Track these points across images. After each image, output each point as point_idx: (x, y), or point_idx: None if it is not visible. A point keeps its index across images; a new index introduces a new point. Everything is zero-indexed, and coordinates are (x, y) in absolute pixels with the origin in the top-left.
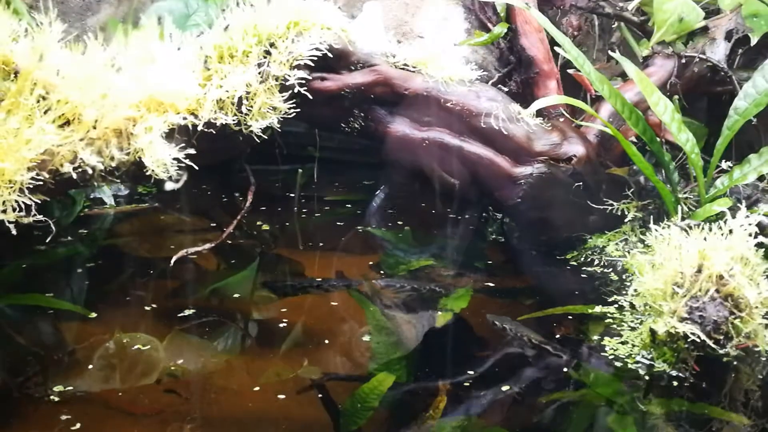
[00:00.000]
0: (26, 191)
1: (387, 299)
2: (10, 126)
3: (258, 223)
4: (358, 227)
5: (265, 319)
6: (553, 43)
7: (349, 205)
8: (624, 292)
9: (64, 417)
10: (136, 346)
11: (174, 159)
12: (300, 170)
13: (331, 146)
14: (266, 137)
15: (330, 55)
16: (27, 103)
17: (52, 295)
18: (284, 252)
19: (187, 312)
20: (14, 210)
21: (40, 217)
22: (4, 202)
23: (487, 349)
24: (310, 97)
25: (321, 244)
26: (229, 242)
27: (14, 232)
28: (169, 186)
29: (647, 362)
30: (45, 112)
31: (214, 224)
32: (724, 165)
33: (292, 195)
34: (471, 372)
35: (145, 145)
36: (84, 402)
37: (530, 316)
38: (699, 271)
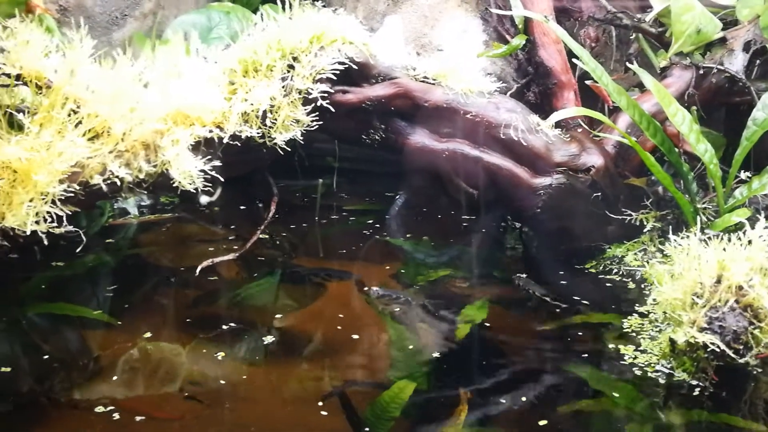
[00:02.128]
0: (58, 203)
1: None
2: (43, 139)
3: (280, 233)
4: (377, 236)
5: (286, 327)
6: (571, 54)
7: (368, 215)
8: (643, 302)
9: (87, 422)
10: (159, 354)
11: (200, 171)
12: (320, 181)
13: (350, 157)
14: (289, 149)
15: (352, 68)
16: (59, 117)
17: (78, 305)
18: (305, 261)
19: (210, 320)
20: (46, 221)
21: (71, 228)
22: (37, 213)
23: (506, 357)
24: (332, 109)
25: (341, 252)
26: (251, 252)
27: (46, 242)
28: (204, 199)
29: (667, 371)
30: (76, 126)
31: (236, 234)
32: (743, 175)
33: (313, 205)
34: (491, 380)
35: (172, 157)
36: (107, 407)
37: (550, 325)
38: (718, 281)
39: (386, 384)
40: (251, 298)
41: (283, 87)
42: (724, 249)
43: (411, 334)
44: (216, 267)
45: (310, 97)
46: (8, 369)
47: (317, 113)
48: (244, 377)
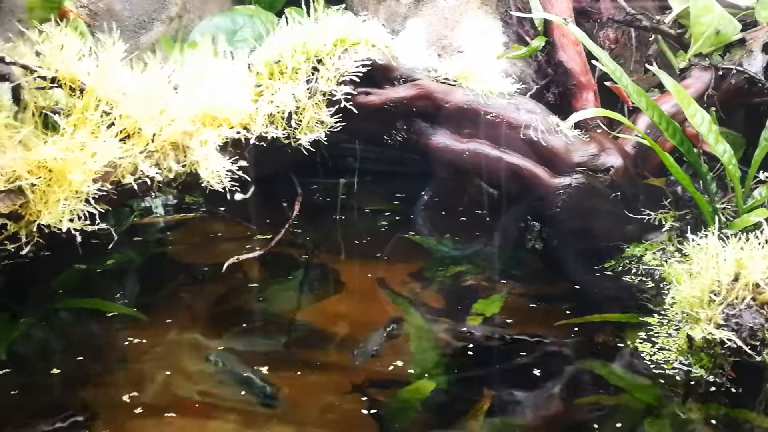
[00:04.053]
0: (91, 201)
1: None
2: (77, 140)
3: (303, 231)
4: (399, 235)
5: (309, 323)
6: (590, 55)
7: (389, 214)
8: (661, 301)
9: (117, 415)
10: (186, 348)
11: (228, 171)
12: (342, 180)
13: (371, 157)
14: (313, 150)
15: (374, 70)
16: (92, 118)
17: (107, 301)
18: (326, 259)
19: (235, 316)
20: (80, 219)
21: (103, 226)
22: (71, 211)
23: (524, 353)
24: (355, 111)
25: (362, 251)
26: (275, 250)
27: (79, 239)
28: (238, 197)
29: (684, 368)
30: (108, 127)
31: (260, 233)
32: (762, 176)
33: (334, 204)
34: (510, 376)
35: (200, 157)
36: (138, 401)
37: (568, 321)
38: (736, 279)
39: (407, 378)
40: (275, 294)
41: (307, 89)
42: (742, 248)
43: (430, 327)
44: (240, 264)
45: (334, 98)
46: (45, 364)
47: (341, 114)
48: (269, 370)
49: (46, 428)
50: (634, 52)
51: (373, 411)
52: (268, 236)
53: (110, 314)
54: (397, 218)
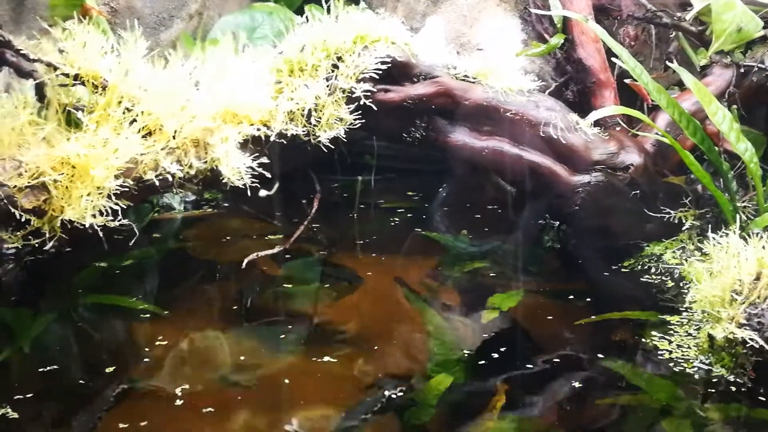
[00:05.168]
0: (113, 197)
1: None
2: (100, 136)
3: (321, 228)
4: (416, 231)
5: (327, 319)
6: (609, 53)
7: (407, 211)
8: (681, 300)
9: (135, 408)
10: (206, 342)
11: (248, 167)
12: (359, 178)
13: (389, 155)
14: (332, 146)
15: (394, 67)
16: (114, 115)
17: (126, 296)
18: (344, 256)
19: (253, 311)
20: (102, 214)
21: (125, 221)
22: (94, 207)
23: (541, 350)
24: (375, 108)
25: (379, 248)
26: (293, 246)
27: (101, 235)
28: (263, 192)
29: (705, 367)
30: (130, 124)
31: (278, 230)
32: None
33: (352, 202)
34: (527, 373)
35: (221, 154)
36: (153, 395)
37: (587, 320)
38: (757, 278)
39: (425, 373)
40: (292, 290)
41: (327, 86)
42: (764, 247)
43: (448, 325)
44: (259, 261)
45: (354, 95)
46: (64, 359)
47: (360, 112)
48: (289, 365)
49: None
50: (654, 49)
51: (392, 404)
52: (286, 234)
53: (129, 309)
54: (414, 216)
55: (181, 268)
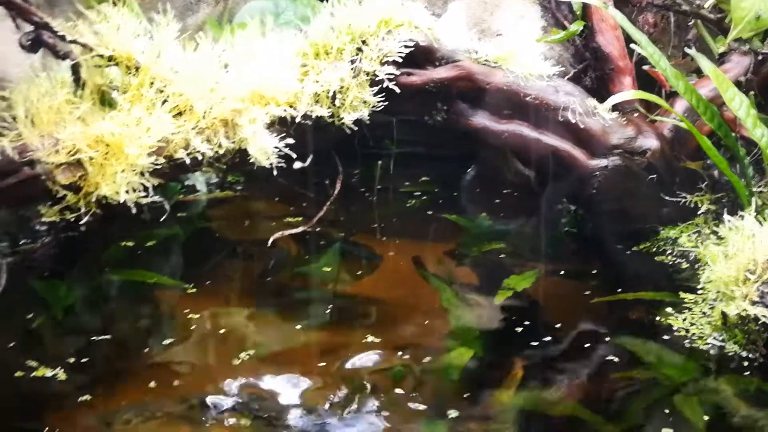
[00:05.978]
0: (146, 174)
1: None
2: (133, 116)
3: (342, 210)
4: (432, 213)
5: (347, 296)
6: (628, 39)
7: (426, 195)
8: (696, 281)
9: (159, 381)
10: (232, 318)
11: (275, 147)
12: (379, 162)
13: (408, 139)
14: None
15: (416, 51)
16: (147, 95)
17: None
18: (363, 237)
19: (277, 289)
20: (135, 191)
21: (156, 198)
22: (128, 183)
23: (558, 328)
24: (398, 91)
25: (397, 230)
26: (314, 228)
27: (134, 210)
28: (297, 164)
29: (718, 344)
30: (162, 104)
31: (301, 211)
32: None
33: (372, 185)
34: (543, 350)
35: (249, 135)
36: (178, 369)
37: (603, 299)
38: None
39: (444, 349)
40: (314, 269)
41: (352, 69)
42: None
43: (465, 303)
44: (281, 241)
45: (377, 78)
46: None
47: (383, 94)
48: (310, 341)
49: None
50: (672, 36)
51: (413, 376)
52: (309, 216)
53: (156, 285)
54: (433, 199)
55: (206, 247)
